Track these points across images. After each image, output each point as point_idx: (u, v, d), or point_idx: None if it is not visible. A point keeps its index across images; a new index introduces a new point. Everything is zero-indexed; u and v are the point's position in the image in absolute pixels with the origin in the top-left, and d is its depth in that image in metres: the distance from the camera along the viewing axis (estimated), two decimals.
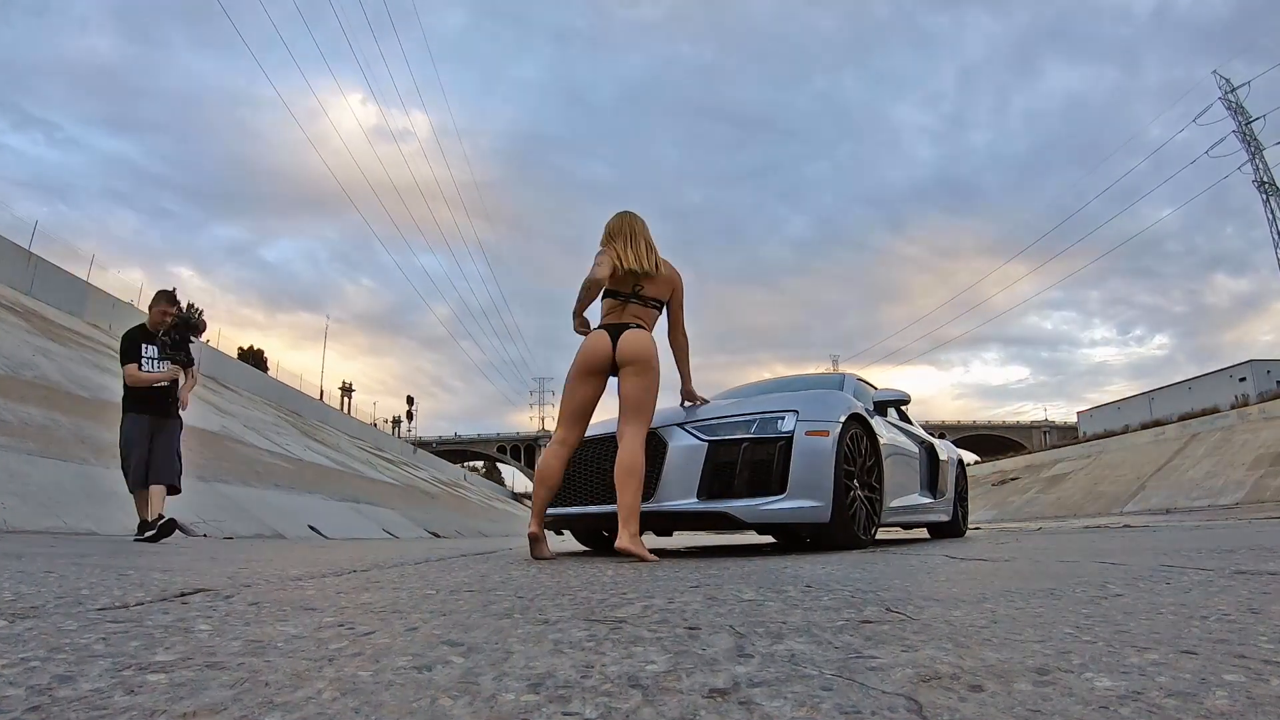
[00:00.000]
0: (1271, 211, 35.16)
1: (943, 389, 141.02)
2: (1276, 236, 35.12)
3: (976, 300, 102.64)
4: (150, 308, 4.68)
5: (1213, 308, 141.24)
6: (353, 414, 35.52)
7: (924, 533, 5.88)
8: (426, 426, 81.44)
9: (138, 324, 4.74)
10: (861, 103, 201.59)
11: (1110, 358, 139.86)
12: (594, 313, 3.11)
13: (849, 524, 3.10)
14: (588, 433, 3.42)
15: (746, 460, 2.97)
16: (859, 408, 3.43)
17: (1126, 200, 65.95)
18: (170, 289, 4.70)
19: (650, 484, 3.01)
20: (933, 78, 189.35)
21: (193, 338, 4.71)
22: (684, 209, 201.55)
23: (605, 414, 3.49)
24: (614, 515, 3.19)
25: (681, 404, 3.37)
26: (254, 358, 34.73)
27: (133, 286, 22.50)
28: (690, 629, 1.03)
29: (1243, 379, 36.00)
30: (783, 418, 3.04)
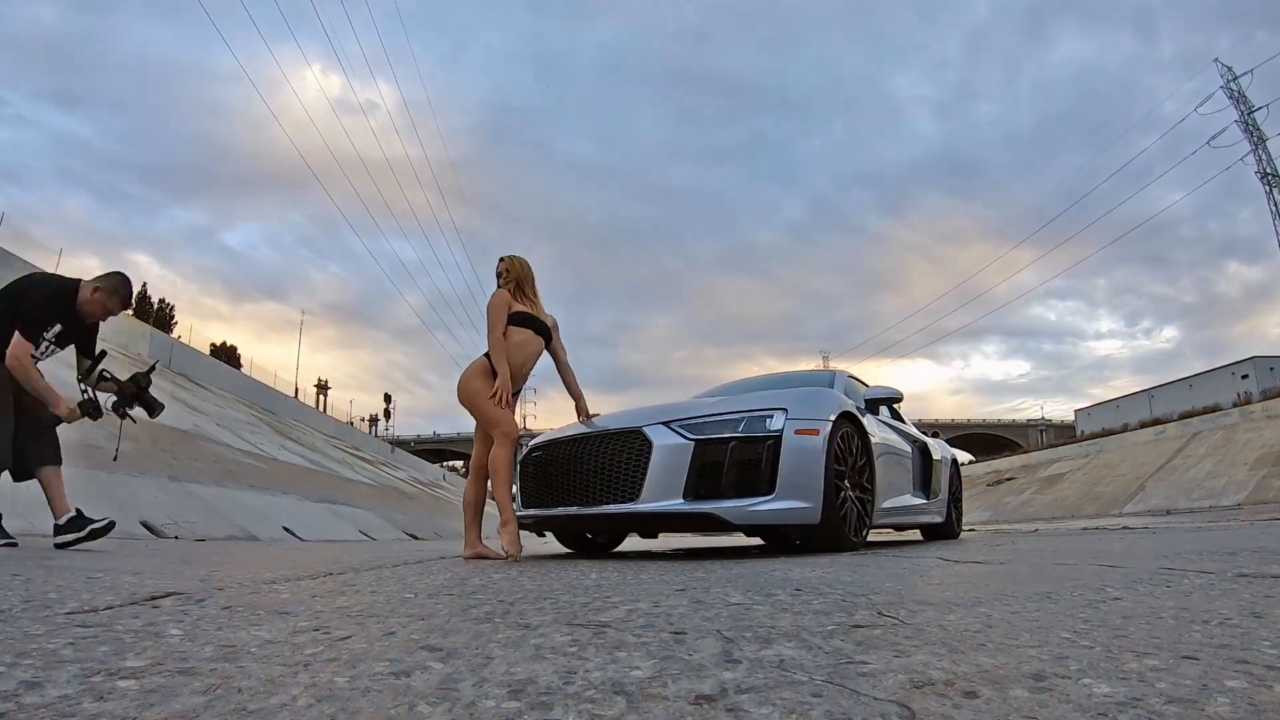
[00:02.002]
0: (1274, 204, 34.74)
1: (940, 384, 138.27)
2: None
3: (978, 290, 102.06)
4: (93, 288, 3.27)
5: (1224, 298, 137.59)
6: (329, 412, 35.07)
7: (917, 534, 5.90)
8: (403, 424, 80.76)
9: (57, 282, 3.34)
10: (860, 71, 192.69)
11: (1115, 351, 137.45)
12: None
13: (839, 525, 3.09)
14: (568, 433, 3.40)
15: (734, 460, 2.94)
16: (850, 406, 3.42)
17: (1137, 183, 63.73)
18: (126, 277, 3.38)
19: (634, 484, 2.99)
20: (937, 43, 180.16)
21: (127, 408, 3.59)
22: (668, 189, 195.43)
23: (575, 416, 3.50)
24: (596, 517, 3.17)
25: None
26: (227, 354, 34.34)
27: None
28: (676, 633, 1.02)
29: (1245, 376, 35.85)
30: (771, 416, 3.01)
